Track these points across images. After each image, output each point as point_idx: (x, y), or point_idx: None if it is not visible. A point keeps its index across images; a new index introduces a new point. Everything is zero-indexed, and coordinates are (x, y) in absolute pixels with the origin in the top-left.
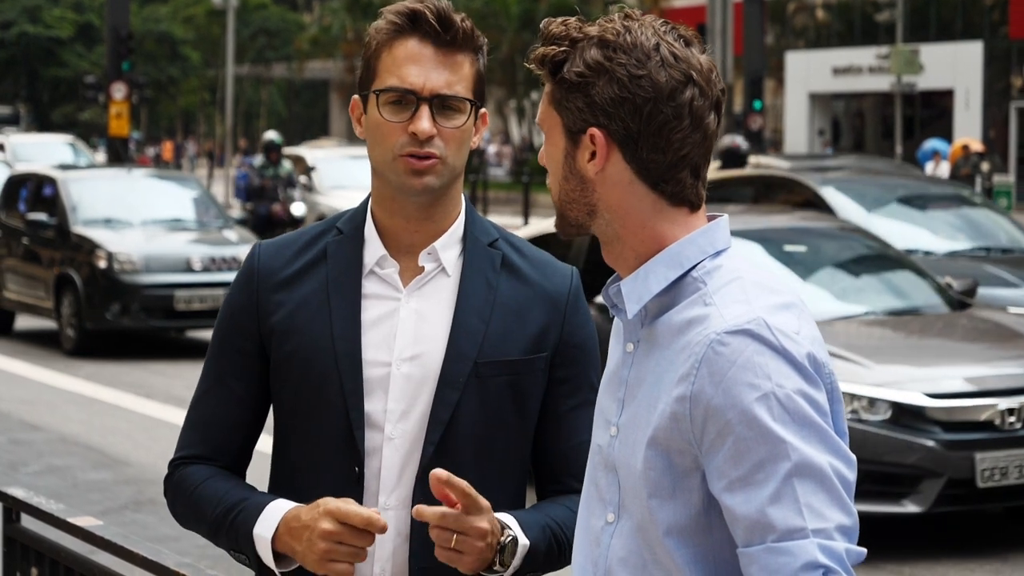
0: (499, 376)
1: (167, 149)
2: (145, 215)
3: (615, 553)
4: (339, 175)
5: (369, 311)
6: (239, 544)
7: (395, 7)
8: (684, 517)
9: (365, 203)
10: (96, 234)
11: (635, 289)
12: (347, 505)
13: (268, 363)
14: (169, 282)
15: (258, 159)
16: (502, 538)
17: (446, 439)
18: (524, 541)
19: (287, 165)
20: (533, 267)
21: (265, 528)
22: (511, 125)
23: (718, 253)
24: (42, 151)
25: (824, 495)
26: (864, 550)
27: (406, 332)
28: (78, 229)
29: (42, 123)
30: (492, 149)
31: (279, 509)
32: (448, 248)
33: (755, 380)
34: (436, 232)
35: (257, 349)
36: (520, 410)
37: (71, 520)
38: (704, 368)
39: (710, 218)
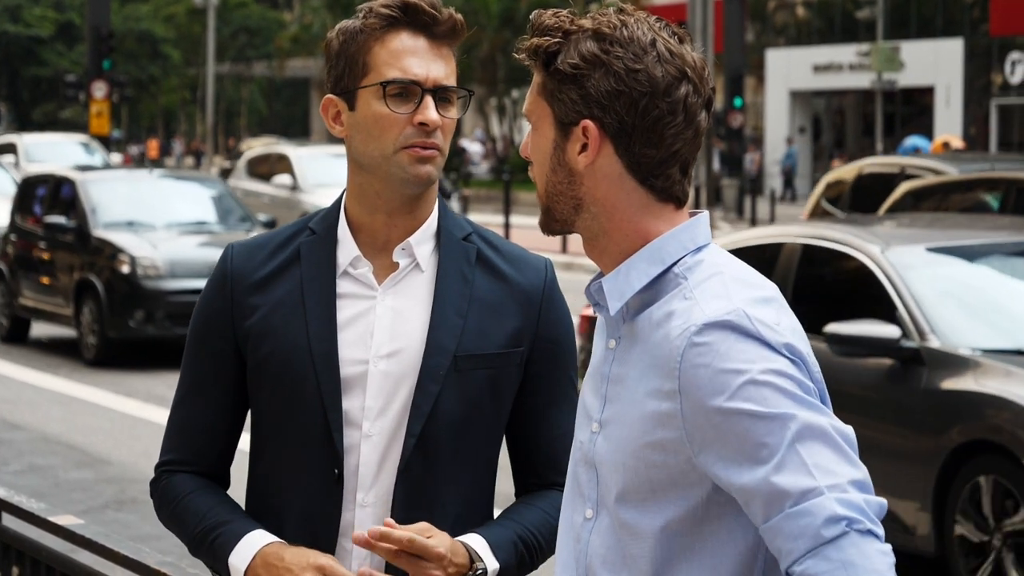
0: (477, 370)
1: (152, 148)
2: (168, 218)
3: (594, 550)
4: (322, 173)
5: (344, 311)
6: (216, 566)
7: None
8: (669, 514)
9: (338, 202)
10: (118, 238)
11: (616, 286)
12: (339, 568)
13: (244, 365)
14: (195, 288)
15: None
16: (469, 573)
17: (427, 431)
18: (494, 566)
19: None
20: (507, 262)
21: (240, 559)
22: (492, 123)
23: (699, 249)
24: (54, 151)
25: (830, 453)
26: (884, 501)
27: (383, 329)
28: (99, 232)
29: (23, 122)
30: (476, 148)
31: (256, 542)
32: (422, 243)
33: (740, 366)
34: (412, 227)
35: (233, 352)
36: (495, 405)
37: (52, 519)
38: (686, 361)
39: (691, 214)
